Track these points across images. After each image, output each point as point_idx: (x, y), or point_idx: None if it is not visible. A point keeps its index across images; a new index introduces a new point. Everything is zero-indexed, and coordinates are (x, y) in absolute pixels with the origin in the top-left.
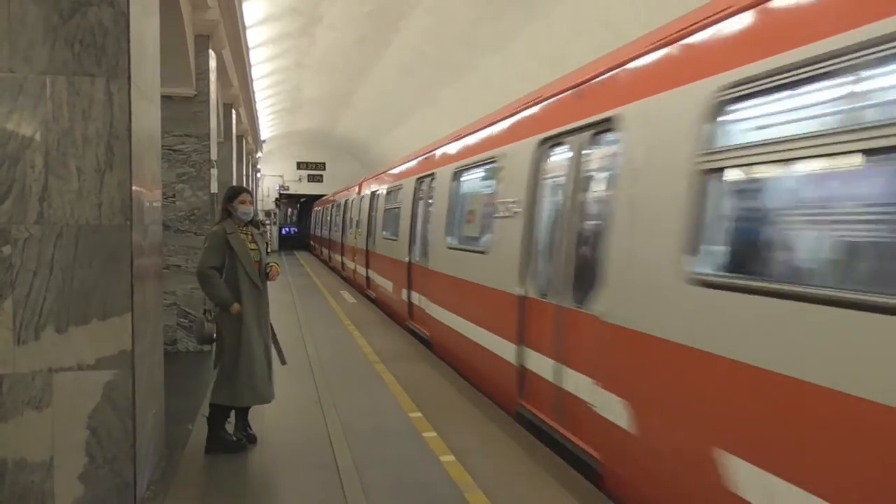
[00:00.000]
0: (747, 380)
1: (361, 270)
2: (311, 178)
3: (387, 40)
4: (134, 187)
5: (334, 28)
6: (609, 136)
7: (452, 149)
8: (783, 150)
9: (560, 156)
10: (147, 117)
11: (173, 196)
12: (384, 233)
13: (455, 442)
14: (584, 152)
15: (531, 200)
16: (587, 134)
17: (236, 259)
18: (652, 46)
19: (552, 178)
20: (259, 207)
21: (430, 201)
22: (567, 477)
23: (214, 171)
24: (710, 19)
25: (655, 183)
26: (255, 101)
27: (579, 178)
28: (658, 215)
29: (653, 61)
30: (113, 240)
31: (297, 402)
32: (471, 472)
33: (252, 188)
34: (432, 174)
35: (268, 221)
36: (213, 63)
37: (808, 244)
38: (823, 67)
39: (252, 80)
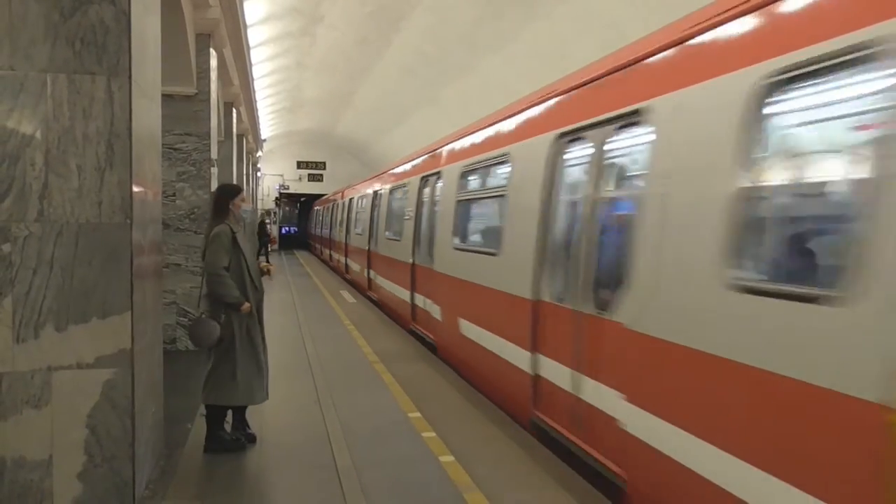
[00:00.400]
0: (467, 287)
1: (342, 259)
2: (312, 178)
3: (387, 40)
4: (134, 186)
5: (335, 28)
6: (440, 179)
7: (390, 175)
8: (475, 195)
9: (428, 186)
10: (148, 116)
11: (173, 195)
12: (356, 230)
13: (454, 442)
14: (436, 185)
15: (417, 210)
16: (434, 177)
17: (242, 258)
18: (449, 140)
19: (425, 198)
20: (259, 206)
21: (380, 208)
22: (567, 477)
23: (215, 170)
24: (462, 136)
25: (447, 204)
26: (255, 101)
27: (433, 199)
28: (447, 220)
29: (448, 148)
30: (113, 238)
31: (297, 402)
32: (470, 473)
33: (252, 187)
34: (380, 189)
35: (269, 221)
36: (213, 62)
37: (481, 233)
38: (479, 165)
39: (253, 79)
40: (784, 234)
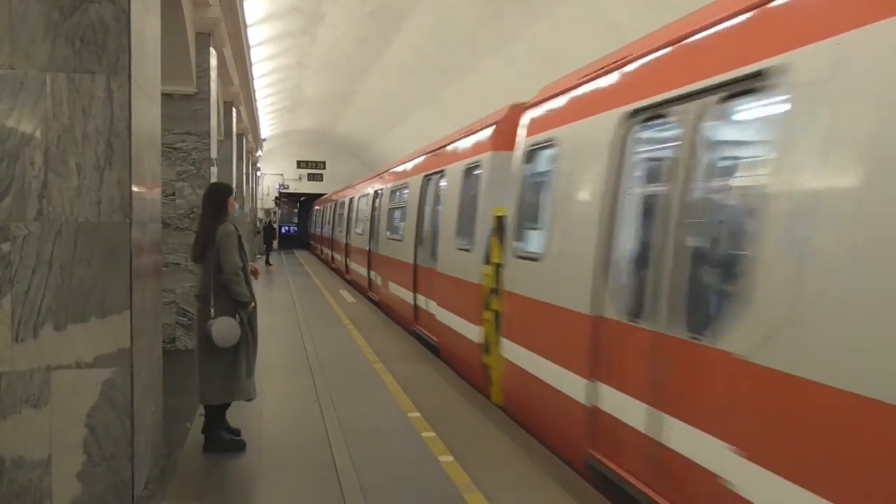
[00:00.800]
0: (391, 261)
1: (329, 252)
2: (311, 177)
3: (388, 40)
4: (133, 185)
5: (336, 27)
6: (383, 193)
7: (361, 187)
8: (397, 206)
9: (377, 198)
10: (147, 115)
11: (173, 194)
12: (338, 227)
13: (454, 442)
14: (381, 197)
15: (371, 213)
16: (380, 191)
17: (245, 258)
18: (389, 168)
19: (376, 205)
20: (259, 206)
21: (353, 212)
22: (566, 477)
23: (214, 170)
24: (395, 167)
25: (384, 210)
26: (255, 100)
27: (379, 206)
28: (384, 220)
29: (388, 172)
30: (112, 237)
31: (296, 402)
32: (469, 473)
33: (252, 187)
34: (353, 197)
35: (273, 221)
36: (213, 61)
37: (397, 228)
38: (398, 188)
39: (253, 78)
40: (461, 228)
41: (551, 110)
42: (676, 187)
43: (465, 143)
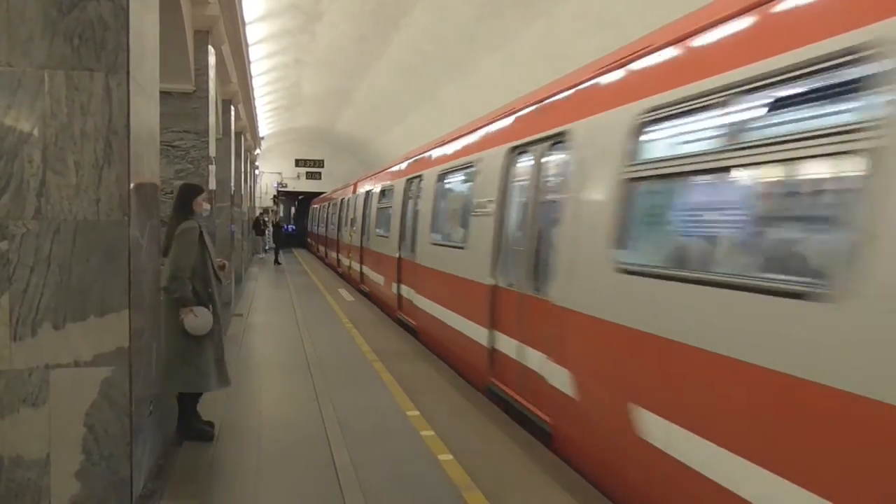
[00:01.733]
0: (334, 242)
1: (315, 244)
2: (310, 176)
3: (387, 38)
4: (132, 183)
5: (335, 25)
6: (335, 204)
7: (342, 192)
8: (337, 214)
9: (335, 206)
10: (146, 113)
11: (171, 192)
12: (322, 224)
13: (453, 441)
14: (334, 207)
15: (339, 214)
16: (336, 202)
17: (207, 254)
18: (336, 189)
19: (337, 210)
20: (257, 204)
21: (339, 213)
22: (566, 476)
23: (213, 168)
24: (339, 189)
25: (336, 214)
26: (254, 98)
27: (336, 212)
28: (337, 219)
29: (335, 192)
30: (111, 236)
31: (295, 401)
32: (469, 472)
33: (250, 185)
34: (342, 200)
35: (267, 219)
36: (212, 59)
37: (337, 226)
38: (350, 202)
39: (251, 76)
40: (347, 223)
41: (355, 185)
42: (370, 213)
43: (348, 188)
